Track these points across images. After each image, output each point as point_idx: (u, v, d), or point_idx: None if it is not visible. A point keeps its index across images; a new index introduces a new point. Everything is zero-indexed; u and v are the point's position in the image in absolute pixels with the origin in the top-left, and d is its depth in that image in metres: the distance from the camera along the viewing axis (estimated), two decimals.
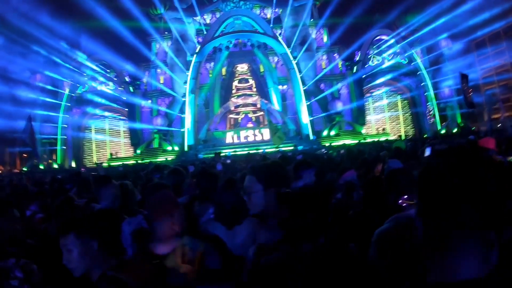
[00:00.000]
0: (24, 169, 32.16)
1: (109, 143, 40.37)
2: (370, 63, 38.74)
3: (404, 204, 3.14)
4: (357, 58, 37.86)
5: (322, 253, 2.17)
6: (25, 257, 2.60)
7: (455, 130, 34.08)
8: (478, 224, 1.09)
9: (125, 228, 3.69)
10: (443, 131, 34.41)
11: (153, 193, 3.70)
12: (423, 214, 1.20)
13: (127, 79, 37.67)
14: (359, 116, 37.24)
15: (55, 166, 34.94)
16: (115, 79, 38.11)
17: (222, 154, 21.38)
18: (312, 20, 39.37)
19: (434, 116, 38.05)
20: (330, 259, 2.17)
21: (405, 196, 3.23)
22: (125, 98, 37.10)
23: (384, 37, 38.71)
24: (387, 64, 38.38)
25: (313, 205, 2.36)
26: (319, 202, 2.40)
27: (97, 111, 39.07)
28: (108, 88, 37.92)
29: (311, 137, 33.82)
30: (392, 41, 37.74)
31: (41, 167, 32.69)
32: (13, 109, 30.38)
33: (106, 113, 39.62)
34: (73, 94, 37.34)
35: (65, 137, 37.27)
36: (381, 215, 3.10)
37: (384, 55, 38.65)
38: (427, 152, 7.67)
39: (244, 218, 3.04)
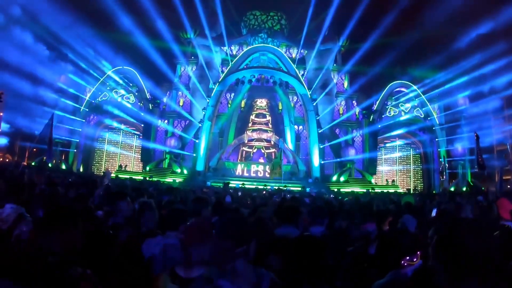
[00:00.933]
0: (33, 163, 32.40)
1: (120, 154, 40.61)
2: (387, 113, 39.06)
3: (405, 264, 3.34)
4: (375, 108, 38.22)
5: None
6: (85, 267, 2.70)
7: (464, 189, 33.88)
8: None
9: (145, 249, 3.86)
10: (452, 189, 34.22)
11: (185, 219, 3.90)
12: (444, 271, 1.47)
13: (148, 95, 38.32)
14: (370, 165, 37.25)
15: (63, 167, 35.10)
16: (136, 93, 38.74)
17: (230, 185, 21.55)
18: (335, 65, 39.95)
19: (444, 173, 37.95)
20: None
21: (407, 258, 3.43)
22: (142, 114, 37.63)
23: (403, 90, 39.18)
24: (403, 116, 38.67)
25: (326, 251, 2.55)
26: (332, 249, 2.61)
27: (114, 122, 39.52)
28: (128, 101, 38.54)
29: (320, 180, 33.78)
30: (411, 94, 38.19)
31: (50, 165, 32.84)
32: (34, 106, 31.03)
33: (122, 126, 40.07)
34: (93, 101, 37.94)
35: (78, 141, 37.63)
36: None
37: (402, 107, 39.01)
38: (433, 213, 7.76)
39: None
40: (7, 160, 34.33)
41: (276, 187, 24.28)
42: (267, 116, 38.73)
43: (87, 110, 37.93)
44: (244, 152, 38.47)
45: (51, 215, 3.05)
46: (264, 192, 19.39)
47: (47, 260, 2.57)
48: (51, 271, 2.46)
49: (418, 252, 3.41)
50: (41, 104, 31.74)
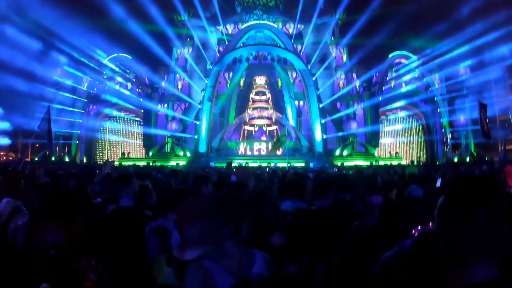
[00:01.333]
0: (36, 159, 32.52)
1: (122, 142, 40.63)
2: (387, 85, 38.78)
3: (416, 234, 3.20)
4: (375, 80, 37.92)
5: (334, 274, 2.23)
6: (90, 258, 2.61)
7: (468, 159, 33.82)
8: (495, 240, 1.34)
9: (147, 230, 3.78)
10: (456, 159, 34.19)
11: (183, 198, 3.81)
12: (444, 234, 1.39)
13: (146, 81, 38.11)
14: (372, 138, 37.17)
15: (67, 159, 35.20)
16: (134, 80, 38.52)
17: (234, 165, 21.50)
18: (333, 38, 39.49)
19: (447, 143, 37.86)
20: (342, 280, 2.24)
21: (419, 227, 3.29)
22: (141, 100, 37.49)
23: (404, 61, 38.76)
24: (404, 88, 38.41)
25: (331, 225, 2.44)
26: (337, 223, 2.49)
27: (113, 111, 39.46)
28: (126, 88, 38.38)
29: (324, 155, 33.73)
30: (413, 65, 37.81)
31: (53, 159, 32.91)
32: (32, 102, 30.86)
33: (122, 113, 40.00)
34: (91, 91, 37.76)
35: (79, 132, 37.58)
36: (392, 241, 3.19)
37: (403, 78, 38.71)
38: (438, 183, 7.68)
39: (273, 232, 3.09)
40: (10, 158, 34.54)
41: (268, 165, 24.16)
42: (267, 93, 38.47)
43: (86, 100, 37.81)
44: (245, 131, 38.37)
45: (50, 206, 2.96)
46: (267, 169, 19.34)
47: (50, 254, 2.49)
48: (55, 265, 2.38)
49: (430, 223, 3.28)
50: (39, 99, 31.54)
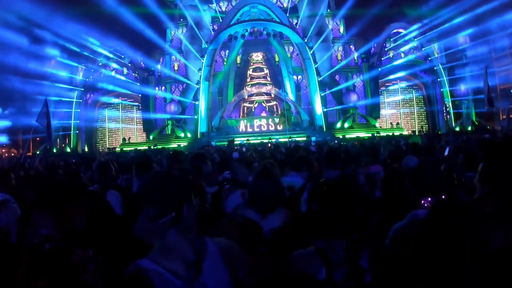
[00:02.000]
0: (37, 152, 32.53)
1: (122, 128, 40.54)
2: (386, 56, 38.43)
3: (426, 205, 3.10)
4: (373, 51, 37.52)
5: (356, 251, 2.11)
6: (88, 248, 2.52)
7: (469, 128, 33.71)
8: None
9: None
10: (457, 129, 34.10)
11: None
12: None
13: (141, 65, 37.80)
14: (373, 109, 36.99)
15: (68, 150, 35.22)
16: (129, 65, 38.22)
17: (236, 142, 21.47)
18: (329, 10, 38.92)
19: (448, 113, 37.69)
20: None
21: (429, 199, 3.18)
22: (138, 84, 37.26)
23: (402, 31, 38.27)
24: (403, 58, 38.07)
25: (345, 200, 2.29)
26: (351, 197, 2.34)
27: (111, 97, 39.35)
28: (122, 74, 38.14)
29: (325, 128, 33.65)
30: (411, 35, 37.37)
31: (54, 151, 32.94)
32: (28, 96, 30.77)
33: (120, 99, 39.85)
34: (87, 79, 37.49)
35: (78, 121, 37.47)
36: (401, 210, 3.10)
37: (401, 49, 38.32)
38: (446, 152, 7.63)
39: (277, 207, 2.98)
40: (12, 154, 34.58)
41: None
42: (265, 69, 38.17)
43: (82, 90, 37.54)
44: (245, 108, 38.20)
45: (41, 196, 2.86)
46: (269, 145, 19.32)
47: (44, 248, 2.39)
48: (49, 259, 2.27)
49: (443, 196, 3.15)
50: (35, 93, 31.33)
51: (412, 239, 2.18)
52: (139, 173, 4.87)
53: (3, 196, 4.02)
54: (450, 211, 1.82)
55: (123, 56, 38.21)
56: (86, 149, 36.90)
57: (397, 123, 38.17)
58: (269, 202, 2.92)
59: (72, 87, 36.72)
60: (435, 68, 37.50)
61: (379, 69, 37.03)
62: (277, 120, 33.10)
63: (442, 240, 1.72)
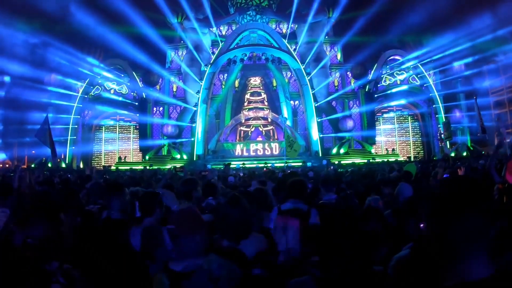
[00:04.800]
0: (32, 165, 32.40)
1: (118, 146, 40.38)
2: (382, 82, 38.84)
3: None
4: (370, 78, 37.95)
5: (352, 278, 2.17)
6: (67, 262, 2.58)
7: (464, 154, 33.93)
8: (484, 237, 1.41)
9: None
10: (452, 154, 34.27)
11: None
12: (436, 233, 1.45)
13: (140, 85, 38.03)
14: (369, 135, 37.20)
15: (63, 165, 35.05)
16: (128, 84, 38.42)
17: (231, 166, 21.50)
18: (327, 37, 39.44)
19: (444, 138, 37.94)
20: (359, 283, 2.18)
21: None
22: (136, 104, 37.45)
23: (398, 58, 38.83)
24: (399, 84, 38.47)
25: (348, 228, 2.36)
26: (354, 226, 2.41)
27: (109, 116, 39.35)
28: (121, 92, 38.30)
29: (320, 153, 33.75)
30: (409, 63, 37.91)
31: (49, 165, 32.80)
32: (26, 108, 30.90)
33: (117, 117, 39.87)
34: (86, 96, 37.58)
35: (75, 137, 37.39)
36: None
37: (397, 77, 38.76)
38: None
39: (250, 233, 3.02)
40: (7, 165, 34.37)
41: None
42: (262, 93, 38.42)
43: (81, 105, 37.59)
44: (242, 132, 38.24)
45: (27, 208, 2.96)
46: (265, 169, 19.36)
47: (23, 255, 2.48)
48: (25, 265, 2.36)
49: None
50: (33, 105, 31.54)
51: (405, 271, 2.28)
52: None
53: (3, 209, 4.10)
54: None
55: (122, 75, 38.44)
56: (81, 166, 36.72)
57: (393, 149, 38.34)
58: (240, 229, 2.93)
59: (69, 103, 36.67)
60: (430, 95, 37.86)
61: (375, 95, 37.46)
62: (275, 144, 33.31)
63: (422, 274, 1.81)
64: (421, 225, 3.25)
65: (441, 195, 1.51)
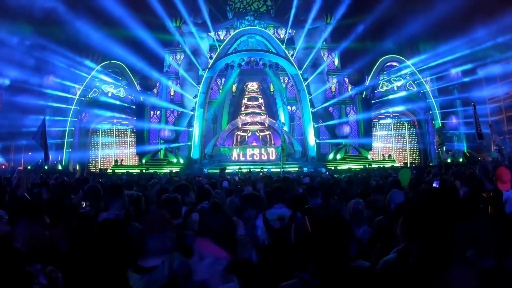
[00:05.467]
0: (29, 167, 32.36)
1: (115, 149, 40.35)
2: (379, 88, 38.99)
3: None
4: (367, 84, 38.10)
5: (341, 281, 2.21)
6: (51, 264, 2.63)
7: (461, 160, 34.04)
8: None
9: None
10: (449, 160, 34.37)
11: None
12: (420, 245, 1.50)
13: (138, 88, 38.08)
14: (365, 141, 37.28)
15: (60, 168, 34.96)
16: (126, 87, 38.44)
17: (227, 171, 21.54)
18: (324, 43, 39.60)
19: (436, 145, 38.10)
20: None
21: None
22: (134, 107, 37.47)
23: (395, 64, 39.04)
24: (396, 90, 38.64)
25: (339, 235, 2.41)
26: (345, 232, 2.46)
27: (106, 118, 39.33)
28: (118, 95, 38.32)
29: (317, 159, 33.80)
30: (404, 71, 38.12)
31: (46, 167, 32.72)
32: (24, 109, 30.90)
33: (115, 120, 39.86)
34: (83, 98, 37.54)
35: (71, 140, 37.35)
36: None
37: (394, 83, 38.92)
38: (435, 184, 7.77)
39: (234, 240, 3.08)
40: (3, 167, 34.34)
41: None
42: (259, 98, 38.51)
43: (78, 108, 37.54)
44: (238, 136, 38.30)
45: (15, 211, 3.04)
46: (261, 174, 19.40)
47: (7, 255, 2.53)
48: (8, 266, 2.41)
49: None
50: (30, 106, 31.55)
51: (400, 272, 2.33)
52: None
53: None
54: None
55: (120, 78, 38.48)
56: (78, 168, 36.60)
57: (389, 155, 38.43)
58: (222, 236, 2.99)
59: (66, 106, 36.66)
60: (427, 101, 38.02)
61: (372, 101, 37.62)
62: (272, 149, 33.38)
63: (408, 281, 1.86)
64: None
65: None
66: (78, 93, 37.35)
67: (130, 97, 38.24)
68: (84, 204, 5.68)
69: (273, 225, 4.75)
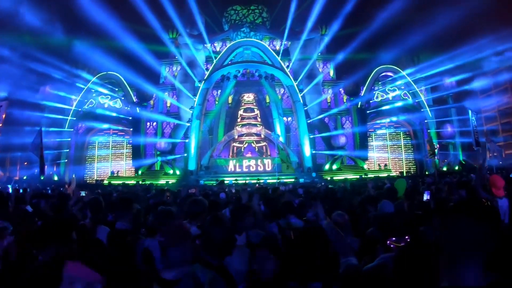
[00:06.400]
0: (24, 177, 32.28)
1: (111, 161, 40.21)
2: (374, 98, 39.21)
3: (392, 246, 3.37)
4: (362, 94, 38.31)
5: None
6: None
7: (456, 168, 34.18)
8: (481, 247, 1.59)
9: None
10: (445, 168, 34.51)
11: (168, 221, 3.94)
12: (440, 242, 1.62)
13: (134, 99, 38.12)
14: (361, 151, 37.38)
15: (56, 178, 34.84)
16: (122, 98, 38.49)
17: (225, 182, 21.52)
18: (319, 54, 39.86)
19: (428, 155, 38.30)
20: None
21: (393, 238, 3.45)
22: (130, 118, 37.44)
23: (390, 74, 39.33)
24: (391, 100, 38.88)
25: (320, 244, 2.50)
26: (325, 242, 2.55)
27: (102, 129, 39.26)
28: (115, 106, 38.34)
29: (313, 169, 33.84)
30: (399, 82, 38.43)
31: (41, 178, 32.53)
32: (21, 119, 30.92)
33: (111, 132, 39.80)
34: (79, 109, 37.52)
35: (67, 151, 37.26)
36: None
37: (390, 93, 39.17)
38: (426, 196, 7.81)
39: (233, 249, 3.19)
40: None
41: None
42: (255, 110, 38.64)
43: (75, 119, 37.51)
44: (235, 147, 38.33)
45: (46, 228, 3.06)
46: (257, 185, 19.41)
47: (38, 272, 2.57)
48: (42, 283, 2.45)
49: (407, 237, 3.41)
50: (27, 123, 31.55)
51: (382, 280, 2.41)
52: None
53: (1, 222, 4.18)
54: (415, 253, 2.06)
55: (117, 89, 38.54)
56: (74, 177, 36.27)
57: (385, 165, 38.57)
58: (224, 246, 3.09)
59: (63, 117, 36.62)
60: (422, 110, 38.26)
61: (367, 111, 37.84)
62: (268, 160, 33.47)
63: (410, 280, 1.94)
64: (388, 242, 3.39)
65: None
66: (75, 104, 37.37)
67: (126, 108, 38.22)
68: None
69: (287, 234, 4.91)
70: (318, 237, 2.58)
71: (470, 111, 20.60)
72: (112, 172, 37.74)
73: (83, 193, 12.27)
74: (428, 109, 38.15)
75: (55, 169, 36.85)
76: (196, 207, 5.66)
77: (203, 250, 3.14)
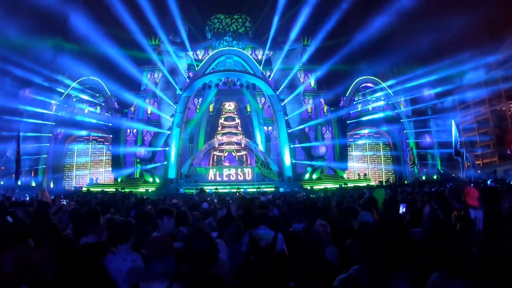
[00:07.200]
0: (1, 183, 31.61)
1: (90, 167, 39.74)
2: (355, 109, 39.64)
3: None
4: (342, 104, 38.71)
5: None
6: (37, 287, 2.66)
7: (435, 177, 34.68)
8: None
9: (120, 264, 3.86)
10: (423, 178, 34.97)
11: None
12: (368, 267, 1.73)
13: (115, 105, 37.80)
14: (341, 160, 37.67)
15: (33, 184, 34.18)
16: (103, 104, 38.15)
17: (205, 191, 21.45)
18: (301, 64, 40.17)
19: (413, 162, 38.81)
20: None
21: None
22: (110, 124, 37.04)
23: (370, 85, 39.88)
24: (371, 111, 39.40)
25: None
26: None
27: (82, 135, 38.75)
28: (95, 111, 37.99)
29: (293, 179, 33.99)
30: (379, 93, 38.99)
31: (19, 183, 31.86)
32: None
33: (90, 138, 39.34)
34: (59, 114, 36.95)
35: (46, 156, 36.66)
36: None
37: (369, 102, 39.70)
38: (402, 209, 7.92)
39: (216, 260, 3.23)
40: None
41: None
42: (236, 119, 38.65)
43: (54, 124, 36.96)
44: (215, 156, 38.26)
45: (2, 236, 3.05)
46: (237, 194, 19.38)
47: None
48: None
49: None
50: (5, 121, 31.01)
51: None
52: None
53: None
54: None
55: (97, 95, 38.19)
56: (52, 186, 35.78)
57: (365, 174, 38.93)
58: (207, 257, 3.13)
59: (42, 122, 36.02)
60: (401, 120, 38.83)
61: (348, 122, 38.26)
62: (248, 170, 33.53)
63: None
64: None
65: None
66: (54, 108, 36.85)
67: (106, 114, 37.85)
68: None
69: (258, 243, 5.00)
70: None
71: (453, 121, 20.97)
72: (91, 180, 37.26)
73: (64, 202, 12.15)
74: (406, 119, 38.76)
75: (32, 174, 36.19)
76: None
77: (186, 262, 3.16)
